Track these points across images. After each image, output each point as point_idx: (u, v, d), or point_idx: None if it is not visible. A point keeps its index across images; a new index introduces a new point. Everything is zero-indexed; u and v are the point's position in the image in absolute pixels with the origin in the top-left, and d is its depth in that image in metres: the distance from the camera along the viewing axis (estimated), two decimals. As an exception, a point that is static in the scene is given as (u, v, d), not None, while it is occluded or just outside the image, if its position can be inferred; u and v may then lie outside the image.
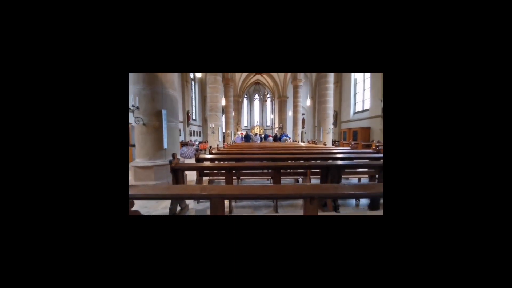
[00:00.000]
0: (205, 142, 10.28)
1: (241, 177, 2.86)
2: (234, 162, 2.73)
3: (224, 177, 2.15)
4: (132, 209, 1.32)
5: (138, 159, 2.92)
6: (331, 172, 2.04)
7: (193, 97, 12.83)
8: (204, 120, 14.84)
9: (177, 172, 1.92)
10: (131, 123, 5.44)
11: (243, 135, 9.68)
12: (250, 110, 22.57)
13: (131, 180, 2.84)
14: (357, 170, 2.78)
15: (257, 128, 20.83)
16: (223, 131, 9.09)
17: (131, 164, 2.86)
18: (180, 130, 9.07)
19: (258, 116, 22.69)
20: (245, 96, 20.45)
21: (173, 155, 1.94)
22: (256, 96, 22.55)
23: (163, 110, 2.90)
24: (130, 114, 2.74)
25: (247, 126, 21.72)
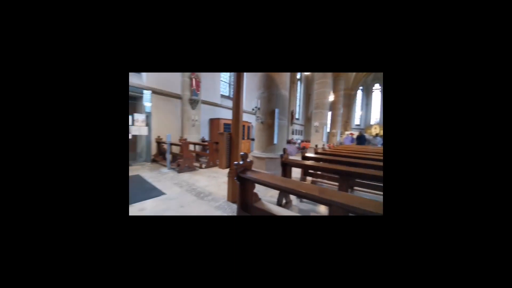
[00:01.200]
0: (306, 141, 10.17)
1: (354, 187, 2.30)
2: (345, 166, 2.26)
3: (328, 181, 1.84)
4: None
5: (255, 150, 3.61)
6: None
7: (298, 97, 13.24)
8: (307, 119, 14.72)
9: (286, 167, 2.00)
10: (250, 123, 7.01)
11: (355, 136, 7.96)
12: (366, 104, 17.92)
13: (250, 167, 3.59)
14: None
15: (375, 128, 16.10)
16: (328, 130, 8.23)
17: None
18: (284, 129, 9.84)
19: (378, 112, 17.35)
20: (361, 87, 16.67)
21: (284, 150, 2.04)
22: (377, 86, 17.34)
23: (276, 109, 3.25)
24: (250, 115, 3.41)
25: (359, 125, 17.70)
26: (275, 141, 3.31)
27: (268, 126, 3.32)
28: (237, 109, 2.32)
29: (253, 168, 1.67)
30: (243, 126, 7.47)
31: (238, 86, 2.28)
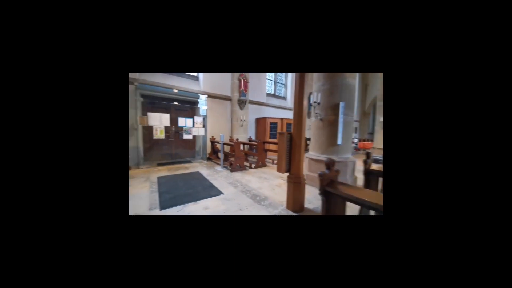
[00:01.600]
0: (364, 140, 8.53)
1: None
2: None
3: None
4: (309, 196, 1.21)
5: (311, 151, 3.17)
6: None
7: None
8: (363, 114, 12.47)
9: (371, 176, 1.51)
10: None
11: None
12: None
13: (304, 169, 3.19)
14: None
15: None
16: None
17: (306, 155, 3.20)
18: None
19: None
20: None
21: (368, 155, 1.55)
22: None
23: (340, 102, 2.69)
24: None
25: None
26: (339, 141, 2.75)
27: (329, 123, 2.81)
28: (299, 108, 2.01)
29: (305, 172, 1.30)
30: (289, 124, 7.07)
31: (301, 85, 1.99)
